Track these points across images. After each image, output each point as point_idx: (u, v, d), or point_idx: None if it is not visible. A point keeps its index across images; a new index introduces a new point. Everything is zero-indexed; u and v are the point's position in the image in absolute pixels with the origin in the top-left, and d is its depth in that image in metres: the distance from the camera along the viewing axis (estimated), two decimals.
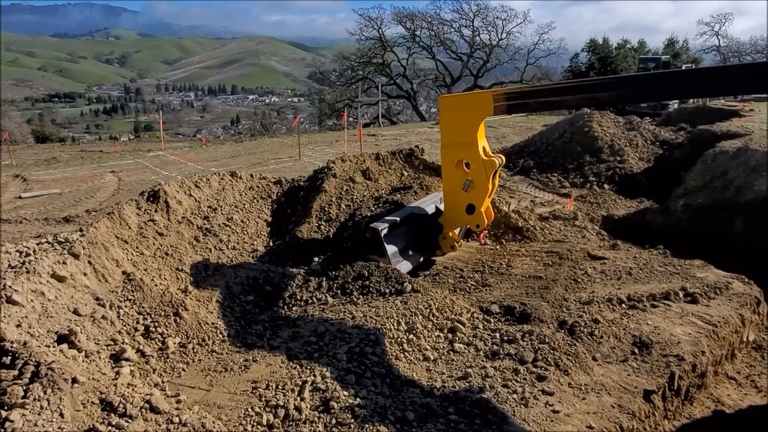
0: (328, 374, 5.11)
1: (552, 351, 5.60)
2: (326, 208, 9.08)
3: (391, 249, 7.73)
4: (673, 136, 16.90)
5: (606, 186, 14.66)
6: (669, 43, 48.32)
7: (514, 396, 4.98)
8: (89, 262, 6.05)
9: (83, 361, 4.93)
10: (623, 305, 6.71)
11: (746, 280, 7.47)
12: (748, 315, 6.89)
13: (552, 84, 7.16)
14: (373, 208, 9.05)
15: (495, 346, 5.78)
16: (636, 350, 5.79)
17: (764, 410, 5.86)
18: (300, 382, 5.02)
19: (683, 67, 31.33)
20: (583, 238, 9.74)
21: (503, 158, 7.97)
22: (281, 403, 4.75)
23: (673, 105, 25.75)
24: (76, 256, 5.93)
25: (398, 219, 8.08)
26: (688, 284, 7.15)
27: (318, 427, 4.51)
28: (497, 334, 5.98)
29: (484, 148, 7.69)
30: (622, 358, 5.68)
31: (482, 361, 5.56)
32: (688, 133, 16.65)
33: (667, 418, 5.46)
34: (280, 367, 5.37)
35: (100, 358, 5.13)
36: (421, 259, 8.14)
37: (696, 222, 10.46)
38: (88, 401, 4.37)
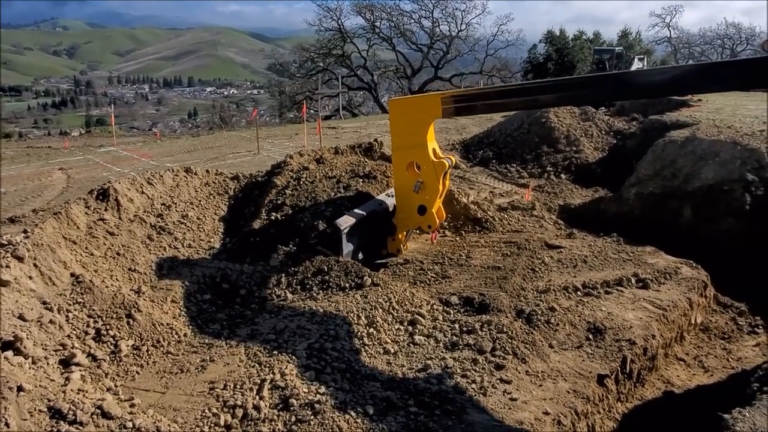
0: (287, 371, 5.05)
1: (510, 340, 5.70)
2: (274, 201, 8.86)
3: (347, 248, 7.68)
4: (626, 126, 17.37)
5: (563, 176, 14.98)
6: (623, 35, 49.59)
7: (473, 386, 5.05)
8: (35, 265, 5.80)
9: (30, 368, 4.73)
10: (578, 293, 6.89)
11: (694, 264, 7.78)
12: (695, 298, 7.17)
13: (497, 87, 7.44)
14: (331, 193, 8.86)
15: (454, 337, 5.84)
16: (590, 336, 5.96)
17: (711, 389, 6.12)
18: (259, 381, 4.95)
19: (635, 59, 32.21)
20: (541, 227, 9.93)
21: (453, 159, 8.09)
22: (239, 403, 4.67)
23: None
24: (20, 259, 5.67)
25: (365, 213, 8.00)
26: (639, 270, 7.40)
27: (277, 425, 4.47)
28: (456, 325, 6.05)
29: (434, 150, 7.80)
30: (577, 344, 5.84)
31: (442, 352, 5.62)
32: (640, 123, 17.14)
33: (620, 401, 5.65)
34: (238, 366, 5.29)
35: (48, 364, 4.93)
36: (362, 258, 8.10)
37: (647, 209, 10.79)
38: (35, 409, 4.21)
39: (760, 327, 7.46)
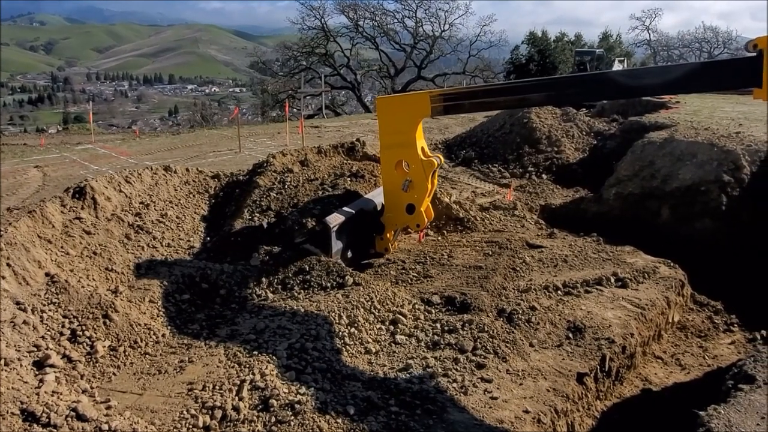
0: (267, 372, 5.00)
1: (491, 339, 5.72)
2: (257, 201, 8.78)
3: (336, 246, 7.61)
4: (607, 127, 17.56)
5: (544, 176, 15.10)
6: (603, 37, 50.20)
7: (454, 385, 5.06)
8: (8, 265, 5.68)
9: (2, 370, 4.62)
10: (559, 292, 6.94)
11: (672, 264, 7.89)
12: (673, 297, 7.28)
13: (485, 86, 7.52)
14: (318, 192, 8.79)
15: (436, 337, 5.84)
16: (570, 335, 6.01)
17: (688, 386, 6.21)
18: (238, 382, 4.90)
19: (615, 61, 32.60)
20: (522, 227, 9.99)
21: (441, 158, 8.09)
22: (218, 404, 4.62)
23: None
24: None
25: (354, 212, 7.93)
26: (619, 270, 7.48)
27: (257, 426, 4.42)
28: (438, 325, 6.05)
29: (422, 149, 7.78)
30: (557, 343, 5.88)
31: (423, 351, 5.61)
32: (620, 124, 17.35)
33: (599, 399, 5.70)
34: (218, 366, 5.23)
35: (21, 365, 4.82)
36: (352, 257, 8.08)
37: (627, 210, 10.93)
38: (7, 412, 4.11)
39: (736, 325, 7.60)
